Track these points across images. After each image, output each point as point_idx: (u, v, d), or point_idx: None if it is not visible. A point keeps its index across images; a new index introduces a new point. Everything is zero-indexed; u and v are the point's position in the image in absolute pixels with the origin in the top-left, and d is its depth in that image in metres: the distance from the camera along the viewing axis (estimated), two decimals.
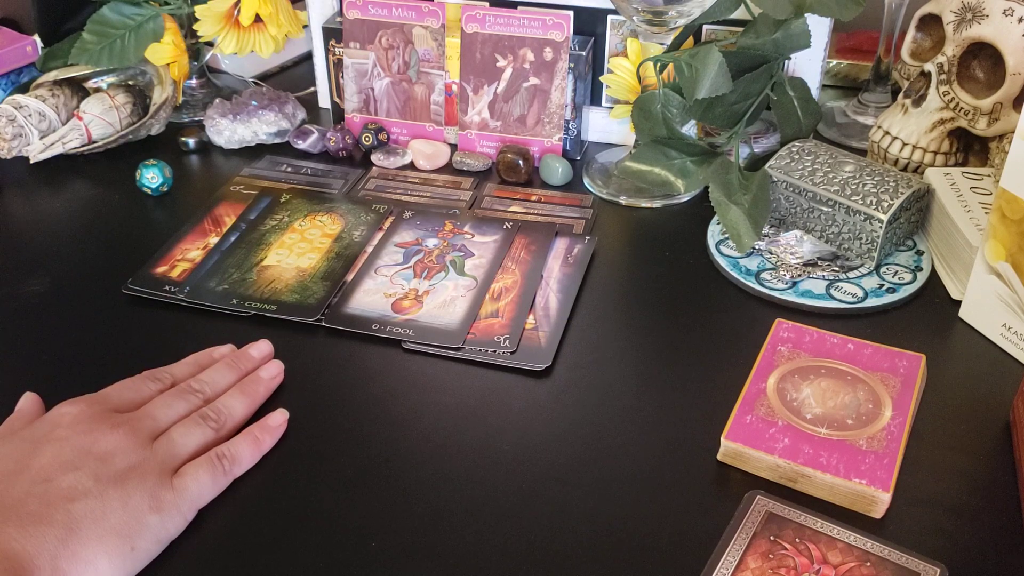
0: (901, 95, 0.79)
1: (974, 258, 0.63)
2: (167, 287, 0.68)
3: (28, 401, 0.55)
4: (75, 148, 0.83)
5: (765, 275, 0.69)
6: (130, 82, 0.90)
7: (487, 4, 0.82)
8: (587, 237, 0.73)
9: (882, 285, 0.68)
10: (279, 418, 0.56)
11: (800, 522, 0.49)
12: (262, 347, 0.61)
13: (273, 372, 0.59)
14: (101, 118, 0.84)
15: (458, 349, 0.62)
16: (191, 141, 0.86)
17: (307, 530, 0.50)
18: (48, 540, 0.45)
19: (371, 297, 0.67)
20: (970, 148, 0.78)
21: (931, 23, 0.79)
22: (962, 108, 0.74)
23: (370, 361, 0.62)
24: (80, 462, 0.48)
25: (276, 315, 0.65)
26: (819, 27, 0.78)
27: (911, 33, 0.81)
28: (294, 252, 0.71)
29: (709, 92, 0.71)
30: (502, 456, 0.55)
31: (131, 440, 0.50)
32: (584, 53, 0.81)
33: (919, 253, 0.71)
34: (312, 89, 0.96)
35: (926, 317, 0.66)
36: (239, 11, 0.86)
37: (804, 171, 0.71)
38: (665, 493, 0.52)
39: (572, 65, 0.80)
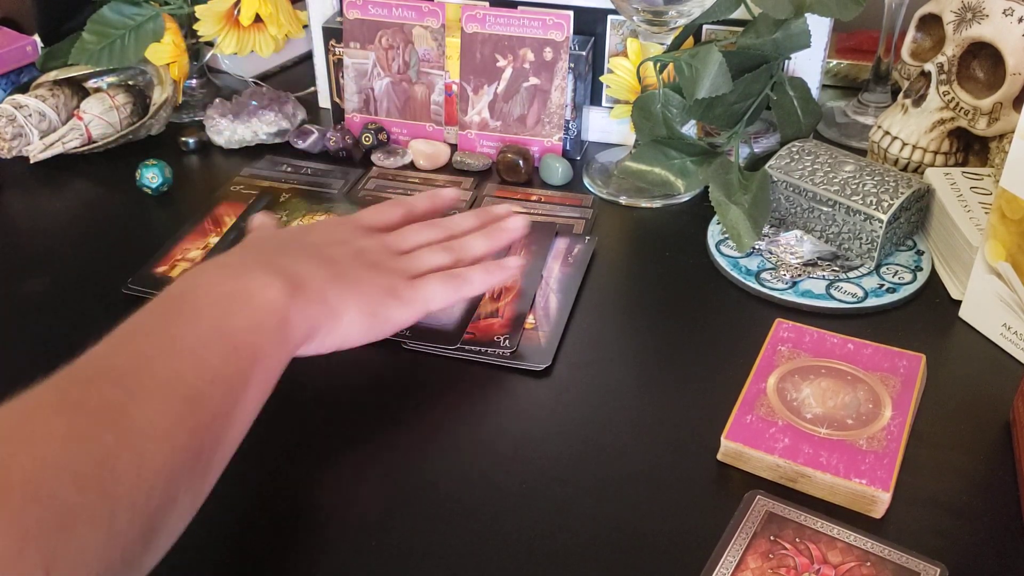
0: (901, 95, 0.79)
1: (974, 258, 0.63)
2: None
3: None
4: (75, 148, 0.83)
5: (765, 275, 0.69)
6: (130, 82, 0.90)
7: (487, 4, 0.82)
8: (587, 237, 0.73)
9: (882, 285, 0.68)
10: (515, 261, 0.62)
11: (800, 522, 0.49)
12: (505, 207, 0.66)
13: (518, 224, 0.64)
14: (101, 118, 0.84)
15: (455, 350, 0.62)
16: (191, 141, 0.86)
17: (307, 530, 0.50)
18: (319, 275, 0.53)
19: None
20: (970, 148, 0.78)
21: (931, 23, 0.79)
22: (962, 108, 0.74)
23: (370, 361, 0.62)
24: (344, 243, 0.57)
25: None
26: (819, 27, 0.78)
27: (911, 33, 0.81)
28: None
29: (709, 92, 0.71)
30: (502, 456, 0.55)
31: (383, 247, 0.58)
32: (584, 53, 0.81)
33: (919, 253, 0.71)
34: (312, 89, 0.96)
35: (926, 317, 0.66)
36: (239, 11, 0.86)
37: (804, 171, 0.71)
38: (665, 493, 0.52)
39: (572, 65, 0.80)
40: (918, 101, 0.76)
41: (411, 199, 0.65)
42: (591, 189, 0.81)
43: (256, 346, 0.47)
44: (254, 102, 0.88)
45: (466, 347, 0.62)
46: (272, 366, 0.49)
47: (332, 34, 0.86)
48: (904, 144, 0.76)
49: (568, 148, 0.83)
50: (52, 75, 0.86)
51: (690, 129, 0.80)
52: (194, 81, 0.96)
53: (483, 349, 0.62)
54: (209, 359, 0.45)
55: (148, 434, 0.40)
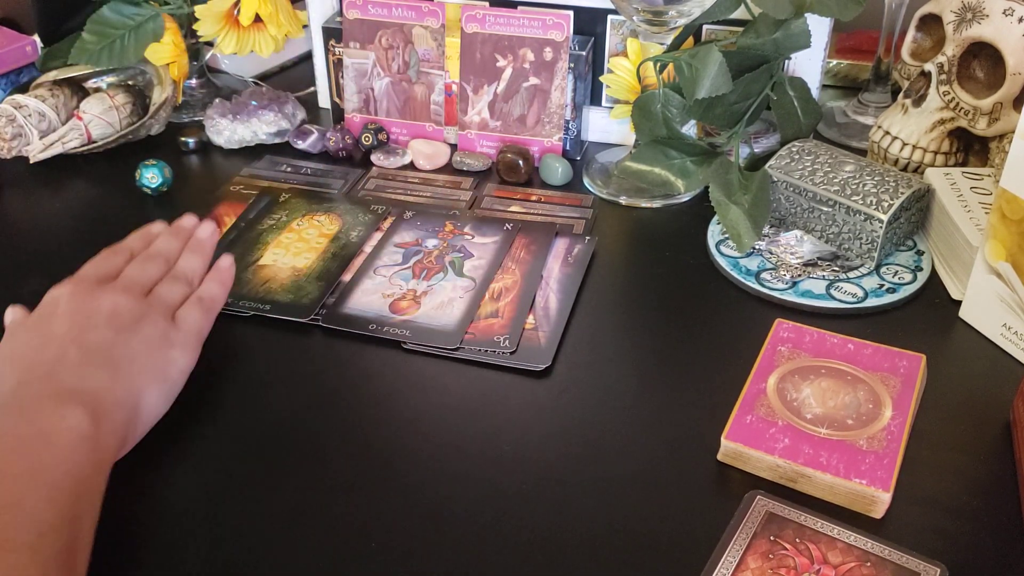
0: (901, 95, 0.79)
1: (974, 258, 0.63)
2: None
3: (17, 311, 0.57)
4: (75, 148, 0.83)
5: (765, 275, 0.69)
6: (130, 82, 0.90)
7: (487, 4, 0.82)
8: (587, 237, 0.73)
9: (882, 285, 0.68)
10: (228, 259, 0.63)
11: (800, 522, 0.49)
12: (190, 218, 0.66)
13: (210, 230, 0.65)
14: (101, 118, 0.84)
15: (455, 350, 0.62)
16: (191, 141, 0.86)
17: (307, 530, 0.50)
18: (101, 379, 0.51)
19: (369, 297, 0.67)
20: (970, 148, 0.78)
21: (931, 23, 0.79)
22: (962, 108, 0.74)
23: (370, 361, 0.62)
24: (95, 322, 0.54)
25: (270, 315, 0.65)
26: (819, 27, 0.78)
27: (911, 33, 0.81)
28: (290, 252, 0.71)
29: (709, 92, 0.71)
30: (502, 456, 0.55)
31: (128, 296, 0.56)
32: (584, 53, 0.81)
33: (919, 253, 0.71)
34: (312, 89, 0.96)
35: (926, 317, 0.66)
36: (239, 11, 0.86)
37: (804, 171, 0.71)
38: (665, 493, 0.52)
39: (572, 65, 0.80)
40: (918, 101, 0.76)
41: (126, 241, 0.63)
42: (591, 189, 0.81)
43: (77, 483, 0.46)
44: (254, 102, 0.88)
45: (466, 347, 0.62)
46: (96, 488, 0.47)
47: (332, 34, 0.86)
48: (904, 144, 0.76)
49: (568, 148, 0.83)
50: (52, 75, 0.86)
51: (690, 129, 0.80)
52: (194, 81, 0.96)
53: (483, 349, 0.62)
54: (36, 512, 0.43)
55: None
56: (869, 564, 0.46)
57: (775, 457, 0.52)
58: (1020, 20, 0.70)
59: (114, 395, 0.50)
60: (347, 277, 0.69)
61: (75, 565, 0.43)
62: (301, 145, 0.86)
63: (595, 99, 0.86)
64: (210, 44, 0.92)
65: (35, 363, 0.51)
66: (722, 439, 0.54)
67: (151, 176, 0.79)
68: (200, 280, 0.62)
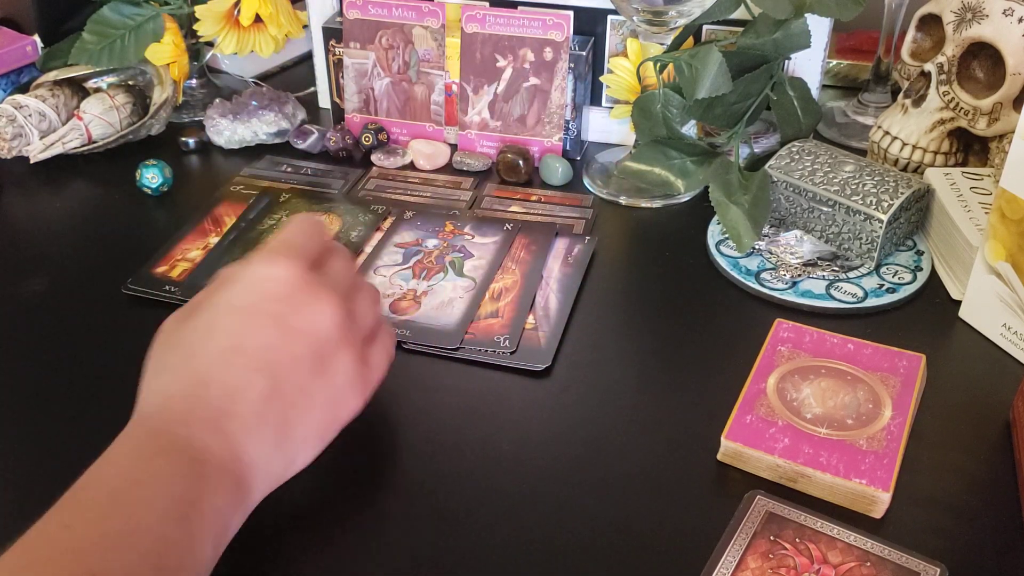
0: (901, 95, 0.79)
1: (974, 258, 0.63)
2: (167, 287, 0.68)
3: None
4: (75, 148, 0.83)
5: (765, 275, 0.69)
6: (130, 82, 0.90)
7: (487, 4, 0.82)
8: (587, 237, 0.73)
9: (882, 285, 0.68)
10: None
11: (800, 522, 0.49)
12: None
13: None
14: (101, 118, 0.84)
15: (455, 350, 0.62)
16: (191, 141, 0.86)
17: (307, 530, 0.50)
18: (266, 445, 0.44)
19: None
20: (970, 148, 0.78)
21: (931, 23, 0.79)
22: (962, 108, 0.74)
23: None
24: (299, 351, 0.45)
25: None
26: (819, 27, 0.78)
27: (911, 33, 0.81)
28: None
29: (709, 92, 0.71)
30: (502, 456, 0.55)
31: (341, 314, 0.46)
32: (584, 53, 0.81)
33: (919, 253, 0.71)
34: (312, 89, 0.96)
35: (926, 317, 0.66)
36: (239, 11, 0.86)
37: (804, 171, 0.71)
38: (665, 493, 0.52)
39: (572, 65, 0.80)
40: (918, 101, 0.76)
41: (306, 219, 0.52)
42: (591, 189, 0.81)
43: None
44: (254, 102, 0.88)
45: (466, 347, 0.62)
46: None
47: (332, 34, 0.86)
48: (904, 144, 0.76)
49: (568, 148, 0.83)
50: (52, 75, 0.86)
51: (690, 129, 0.80)
52: (194, 81, 0.96)
53: (483, 349, 0.62)
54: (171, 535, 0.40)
55: None
56: (869, 564, 0.46)
57: (775, 457, 0.52)
58: (1020, 20, 0.70)
59: (267, 468, 0.45)
60: None
61: None
62: (301, 145, 0.86)
63: (595, 99, 0.86)
64: (210, 44, 0.92)
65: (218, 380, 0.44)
66: (722, 439, 0.54)
67: (151, 176, 0.79)
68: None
